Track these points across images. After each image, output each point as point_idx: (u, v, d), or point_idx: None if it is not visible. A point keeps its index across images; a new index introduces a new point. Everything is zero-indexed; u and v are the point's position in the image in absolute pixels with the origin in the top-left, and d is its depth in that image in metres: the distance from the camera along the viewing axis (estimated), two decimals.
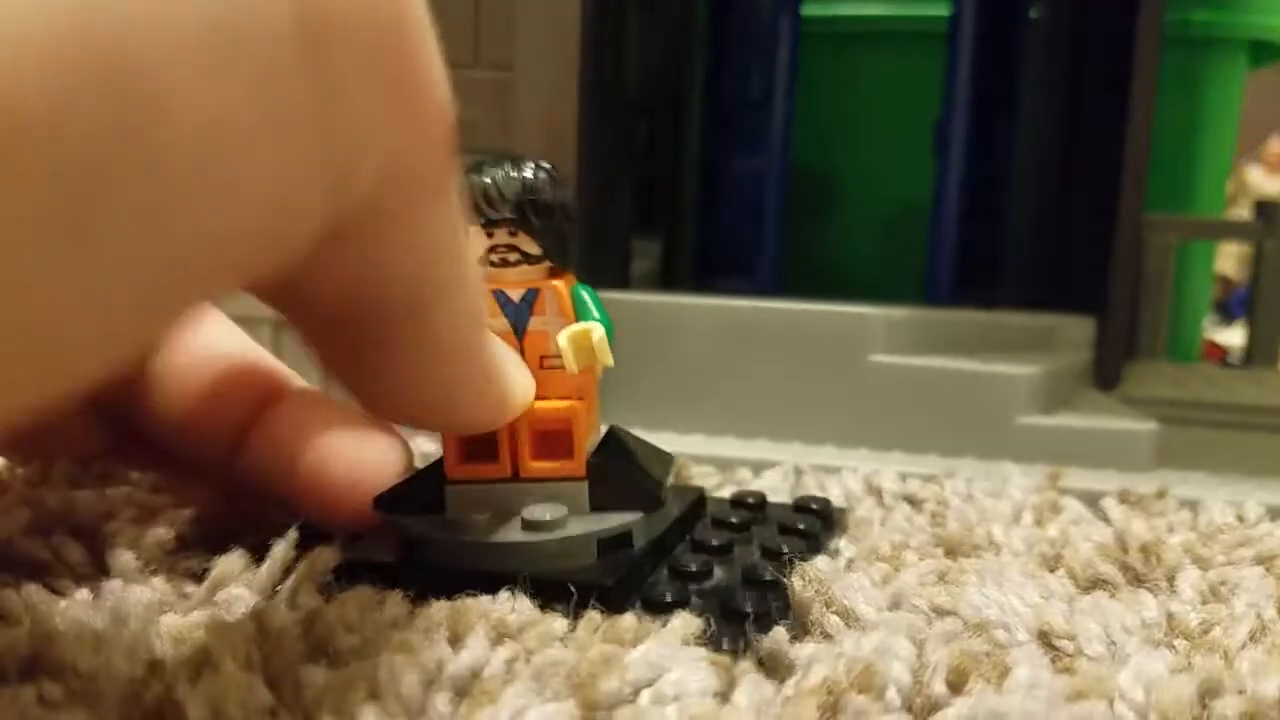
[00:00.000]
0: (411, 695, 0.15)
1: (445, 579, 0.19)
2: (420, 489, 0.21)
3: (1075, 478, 0.32)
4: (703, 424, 0.38)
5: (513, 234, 0.20)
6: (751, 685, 0.16)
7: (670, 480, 0.23)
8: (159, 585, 0.19)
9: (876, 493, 0.30)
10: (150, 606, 0.18)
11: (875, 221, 0.58)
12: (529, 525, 0.20)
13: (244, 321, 0.24)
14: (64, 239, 0.10)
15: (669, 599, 0.18)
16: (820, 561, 0.21)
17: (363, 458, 0.21)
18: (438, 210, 0.15)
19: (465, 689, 0.15)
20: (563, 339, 0.20)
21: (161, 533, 0.20)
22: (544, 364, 0.21)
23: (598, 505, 0.21)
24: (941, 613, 0.19)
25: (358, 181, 0.13)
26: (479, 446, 0.20)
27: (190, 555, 0.20)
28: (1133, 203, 0.42)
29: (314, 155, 0.12)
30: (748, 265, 0.50)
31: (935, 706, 0.15)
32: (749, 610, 0.18)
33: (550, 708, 0.14)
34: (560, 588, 0.18)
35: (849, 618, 0.19)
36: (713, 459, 0.34)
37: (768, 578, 0.20)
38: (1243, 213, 1.00)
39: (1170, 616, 0.19)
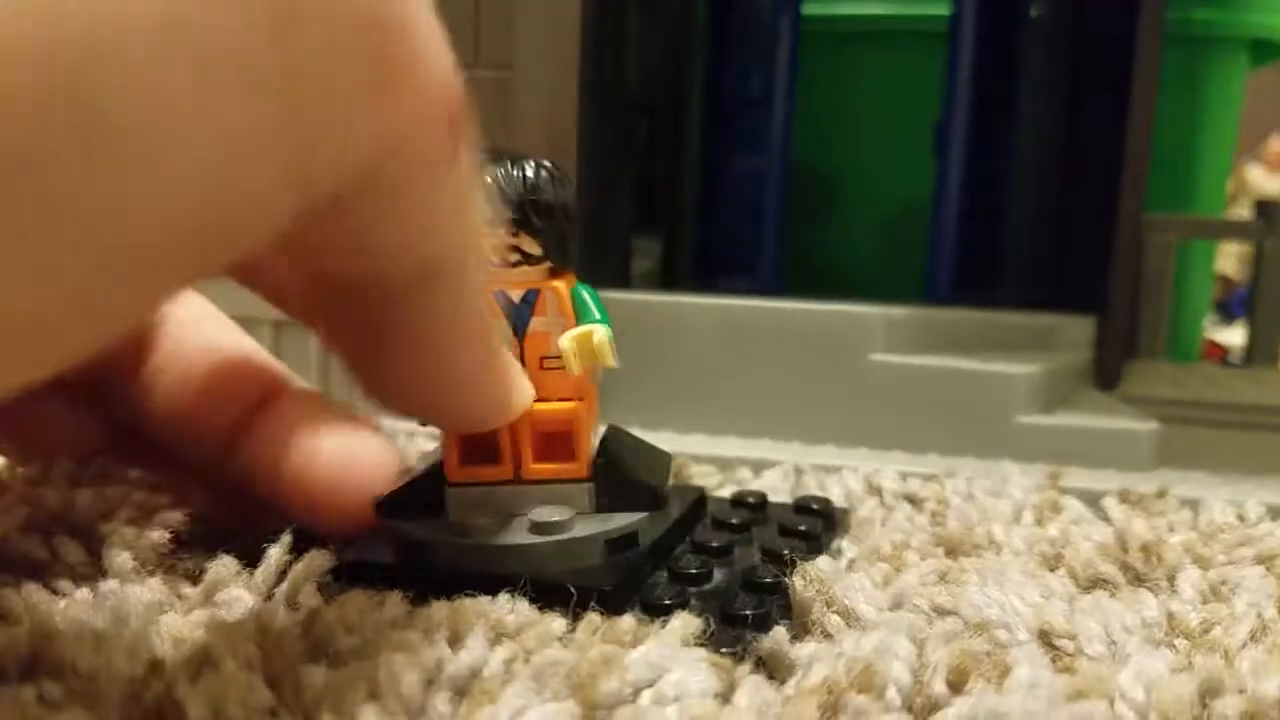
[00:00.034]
0: (411, 695, 0.15)
1: (447, 581, 0.18)
2: (420, 492, 0.20)
3: (1075, 477, 0.32)
4: (703, 423, 0.38)
5: (514, 234, 0.20)
6: (752, 686, 0.16)
7: (669, 480, 0.23)
8: (156, 586, 0.19)
9: (877, 492, 0.30)
10: (150, 606, 0.18)
11: (875, 221, 0.58)
12: (536, 527, 0.20)
13: (244, 321, 0.24)
14: (3, 218, 0.10)
15: (668, 602, 0.18)
16: (821, 562, 0.21)
17: (348, 461, 0.20)
18: (441, 187, 0.15)
19: (465, 689, 0.15)
20: (565, 341, 0.20)
21: (158, 534, 0.20)
22: (544, 365, 0.21)
23: (602, 506, 0.21)
24: (942, 612, 0.19)
25: (333, 163, 0.13)
26: (480, 449, 0.20)
27: (188, 556, 0.20)
28: (1133, 202, 0.42)
29: (279, 139, 0.12)
30: (748, 265, 0.50)
31: (935, 706, 0.15)
32: (748, 614, 0.18)
33: (550, 708, 0.14)
34: (560, 590, 0.18)
35: (849, 618, 0.19)
36: (713, 458, 0.34)
37: (768, 580, 0.19)
38: (1243, 212, 1.00)
39: (1171, 616, 0.19)
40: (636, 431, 0.24)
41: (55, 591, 0.19)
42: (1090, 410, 0.37)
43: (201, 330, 0.23)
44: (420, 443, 0.35)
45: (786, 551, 0.21)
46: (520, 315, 0.20)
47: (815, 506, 0.25)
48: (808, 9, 0.51)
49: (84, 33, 0.10)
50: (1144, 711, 0.15)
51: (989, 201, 0.48)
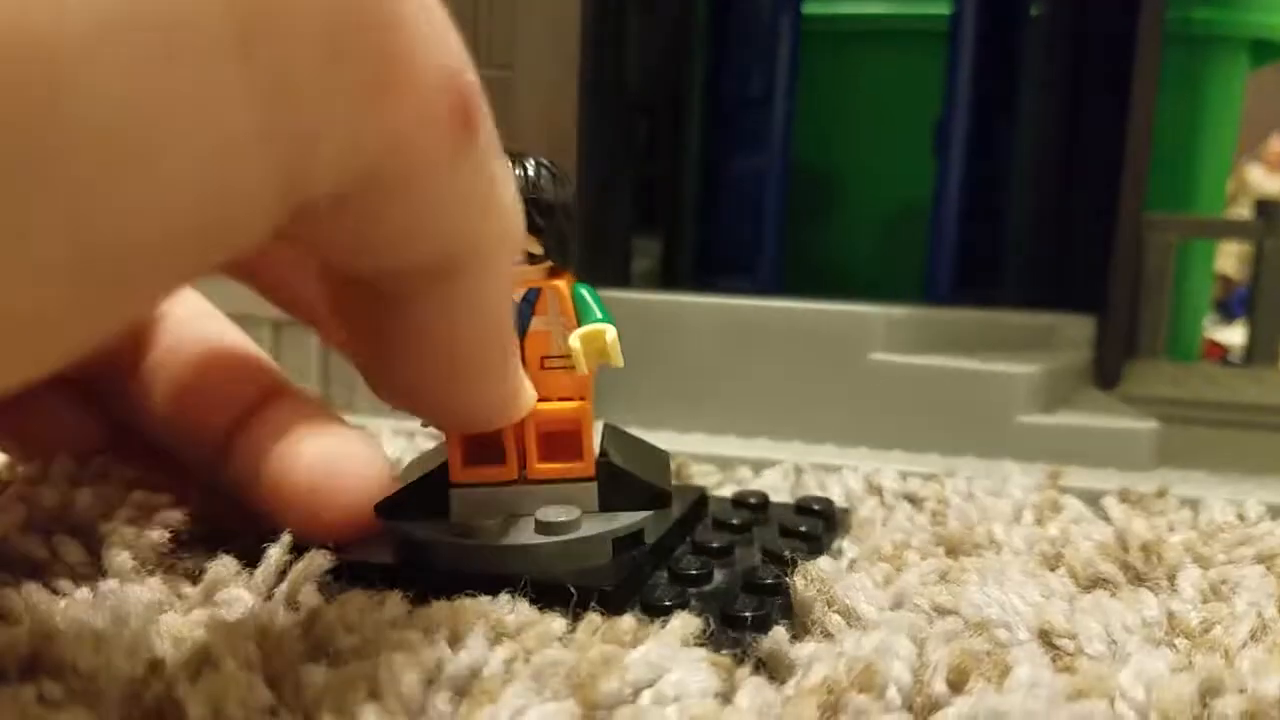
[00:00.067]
0: (411, 695, 0.15)
1: (451, 582, 0.18)
2: (423, 494, 0.20)
3: (1076, 476, 0.32)
4: (703, 423, 0.38)
5: None
6: (752, 686, 0.15)
7: (671, 478, 0.23)
8: (156, 585, 0.19)
9: (877, 492, 0.30)
10: (150, 606, 0.18)
11: (875, 220, 0.58)
12: (544, 527, 0.20)
13: (243, 320, 0.24)
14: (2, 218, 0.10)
15: (668, 603, 0.18)
16: (823, 562, 0.21)
17: (328, 470, 0.20)
18: (451, 184, 0.15)
19: (465, 689, 0.15)
20: (575, 340, 0.20)
21: (158, 533, 0.20)
22: (545, 364, 0.20)
23: (607, 505, 0.21)
24: (943, 612, 0.19)
25: (331, 163, 0.13)
26: (484, 449, 0.20)
27: (188, 555, 0.20)
28: (1133, 202, 0.42)
29: (255, 139, 0.12)
30: (748, 264, 0.50)
31: (936, 705, 0.15)
32: (748, 615, 0.18)
33: (550, 707, 0.14)
34: (561, 589, 0.18)
35: (850, 617, 0.19)
36: (713, 458, 0.34)
37: (768, 581, 0.19)
38: (1243, 212, 1.00)
39: (1171, 615, 0.19)
40: (636, 431, 0.24)
41: (55, 591, 0.19)
42: (1090, 410, 0.37)
43: (200, 329, 0.23)
44: (421, 443, 0.35)
45: (787, 552, 0.21)
46: (521, 315, 0.20)
47: (816, 507, 0.25)
48: (808, 8, 0.51)
49: (70, 34, 0.10)
50: (1144, 711, 0.15)
51: (989, 201, 0.48)
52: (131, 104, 0.10)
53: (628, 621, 0.17)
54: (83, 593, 0.18)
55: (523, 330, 0.20)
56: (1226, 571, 0.22)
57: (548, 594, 0.18)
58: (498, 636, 0.17)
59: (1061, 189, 0.48)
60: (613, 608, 0.18)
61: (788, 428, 0.37)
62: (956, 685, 0.16)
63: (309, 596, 0.18)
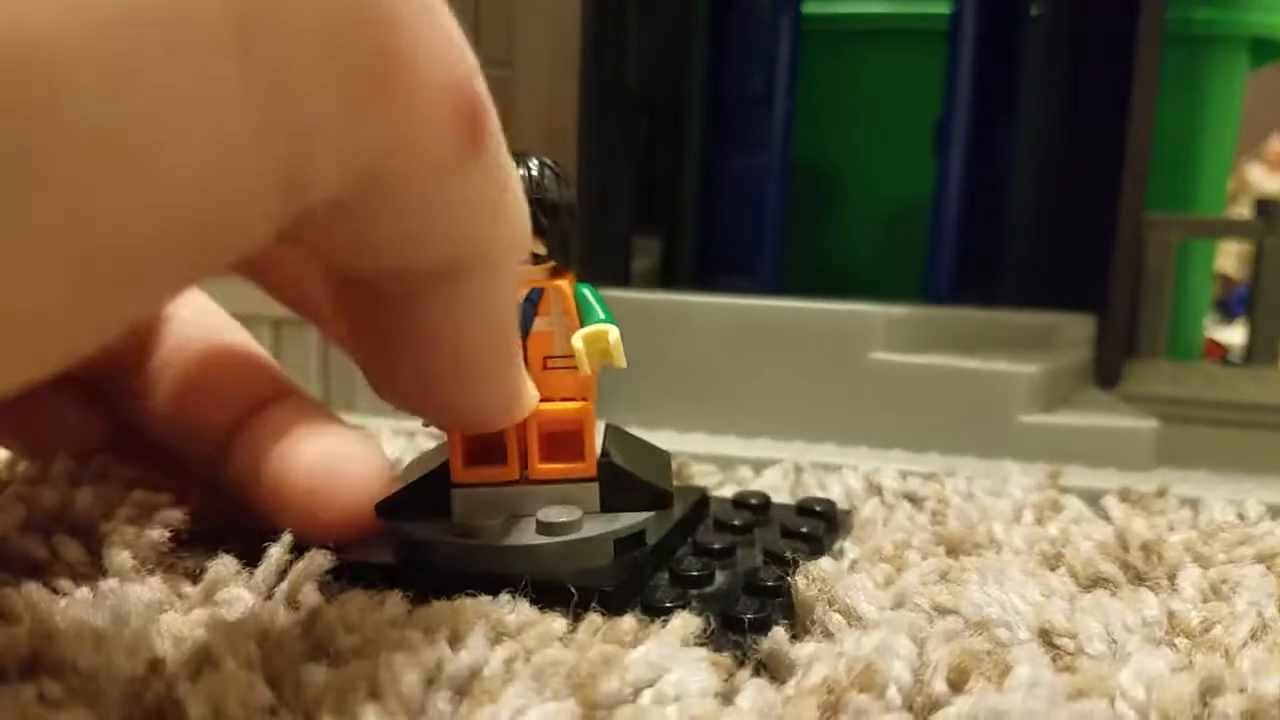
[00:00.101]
0: (412, 694, 0.15)
1: (452, 582, 0.18)
2: (424, 494, 0.20)
3: (1076, 476, 0.32)
4: (703, 422, 0.38)
5: None
6: (753, 686, 0.16)
7: (672, 479, 0.23)
8: (157, 585, 0.19)
9: (877, 491, 0.30)
10: (150, 605, 0.18)
11: (876, 220, 0.58)
12: (545, 528, 0.20)
13: (243, 319, 0.24)
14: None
15: (669, 604, 0.18)
16: (824, 563, 0.21)
17: (328, 471, 0.20)
18: (455, 186, 0.15)
19: (465, 688, 0.15)
20: (578, 340, 0.20)
21: (158, 532, 0.20)
22: (547, 365, 0.20)
23: (609, 505, 0.21)
24: (943, 611, 0.19)
25: (330, 163, 0.13)
26: (486, 449, 0.20)
27: (188, 555, 0.20)
28: (1133, 201, 0.42)
29: (253, 137, 0.12)
30: (748, 263, 0.50)
31: (936, 705, 0.15)
32: (749, 617, 0.18)
33: (550, 707, 0.14)
34: (562, 590, 0.18)
35: (851, 617, 0.19)
36: (713, 457, 0.34)
37: (769, 583, 0.19)
38: (1243, 211, 1.00)
39: (1171, 615, 0.19)
40: (636, 430, 0.24)
41: (55, 590, 0.19)
42: (1090, 409, 0.37)
43: (205, 329, 0.23)
44: (421, 443, 0.35)
45: (789, 553, 0.21)
46: (524, 315, 0.20)
47: (818, 508, 0.25)
48: (808, 8, 0.51)
49: (69, 33, 0.10)
50: (1144, 710, 0.15)
51: (989, 200, 0.48)
52: (130, 102, 0.10)
53: (628, 622, 0.17)
54: (83, 592, 0.18)
55: (525, 330, 0.20)
56: (1227, 571, 0.22)
57: (549, 594, 0.18)
58: (498, 636, 0.17)
59: (1061, 189, 0.48)
60: (613, 608, 0.18)
61: (788, 427, 0.37)
62: (957, 685, 0.16)
63: (309, 596, 0.18)
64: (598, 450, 0.21)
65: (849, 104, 0.58)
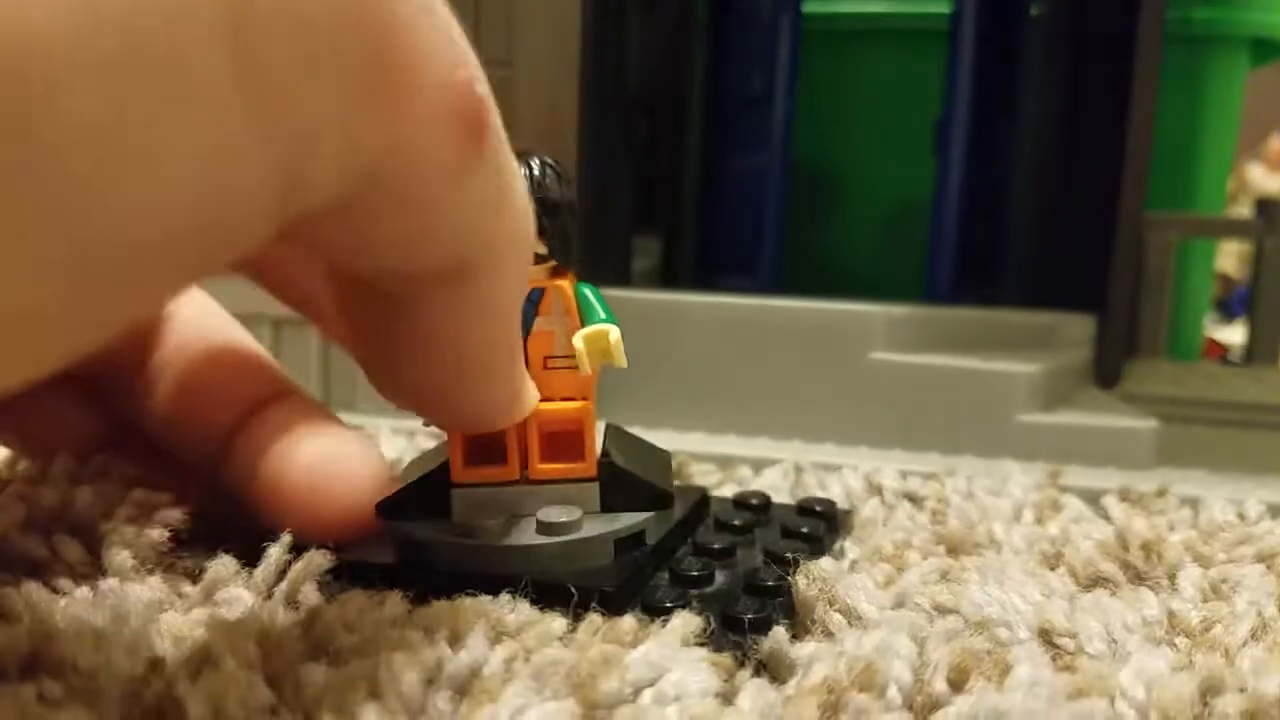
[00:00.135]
0: (411, 694, 0.15)
1: (452, 582, 0.18)
2: (424, 494, 0.20)
3: (1076, 475, 0.32)
4: (703, 422, 0.38)
5: None
6: (753, 686, 0.15)
7: (672, 479, 0.23)
8: (156, 584, 0.19)
9: (877, 491, 0.30)
10: (150, 605, 0.18)
11: (876, 219, 0.58)
12: (545, 528, 0.20)
13: (243, 318, 0.24)
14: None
15: (669, 604, 0.18)
16: (824, 563, 0.21)
17: (327, 471, 0.20)
18: (458, 187, 0.15)
19: (465, 688, 0.15)
20: (579, 340, 0.20)
21: (158, 532, 0.20)
22: (548, 364, 0.20)
23: (609, 505, 0.21)
24: (943, 611, 0.19)
25: (331, 166, 0.13)
26: (486, 449, 0.20)
27: (188, 554, 0.20)
28: (1133, 201, 0.42)
29: (252, 140, 0.12)
30: (748, 263, 0.50)
31: (936, 705, 0.15)
32: (749, 617, 0.18)
33: (550, 707, 0.14)
34: (562, 590, 0.18)
35: (851, 617, 0.18)
36: (713, 457, 0.34)
37: (770, 583, 0.19)
38: (1243, 211, 1.00)
39: (1171, 614, 0.19)
40: (636, 430, 0.24)
41: (55, 590, 0.19)
42: (1090, 409, 0.37)
43: (206, 329, 0.23)
44: (421, 442, 0.35)
45: (789, 553, 0.21)
46: (524, 315, 0.20)
47: (818, 508, 0.25)
48: (808, 7, 0.51)
49: (65, 32, 0.10)
50: (1145, 710, 0.15)
51: (989, 200, 0.48)
52: (128, 102, 0.10)
53: (628, 621, 0.17)
54: (83, 591, 0.18)
55: (526, 330, 0.20)
56: (1227, 570, 0.22)
57: (549, 594, 0.18)
58: (498, 636, 0.17)
59: (1061, 189, 0.48)
60: (614, 608, 0.18)
61: (788, 427, 0.37)
62: (957, 684, 0.16)
63: (309, 596, 0.18)
64: (598, 450, 0.21)
65: (849, 104, 0.58)
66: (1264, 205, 0.57)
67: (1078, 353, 0.42)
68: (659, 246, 0.52)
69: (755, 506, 0.24)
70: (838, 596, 0.19)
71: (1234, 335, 0.80)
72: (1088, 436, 0.35)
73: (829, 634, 0.18)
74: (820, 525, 0.24)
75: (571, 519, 0.20)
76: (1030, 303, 0.46)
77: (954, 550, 0.24)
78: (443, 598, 0.18)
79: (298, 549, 0.19)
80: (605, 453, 0.21)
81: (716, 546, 0.21)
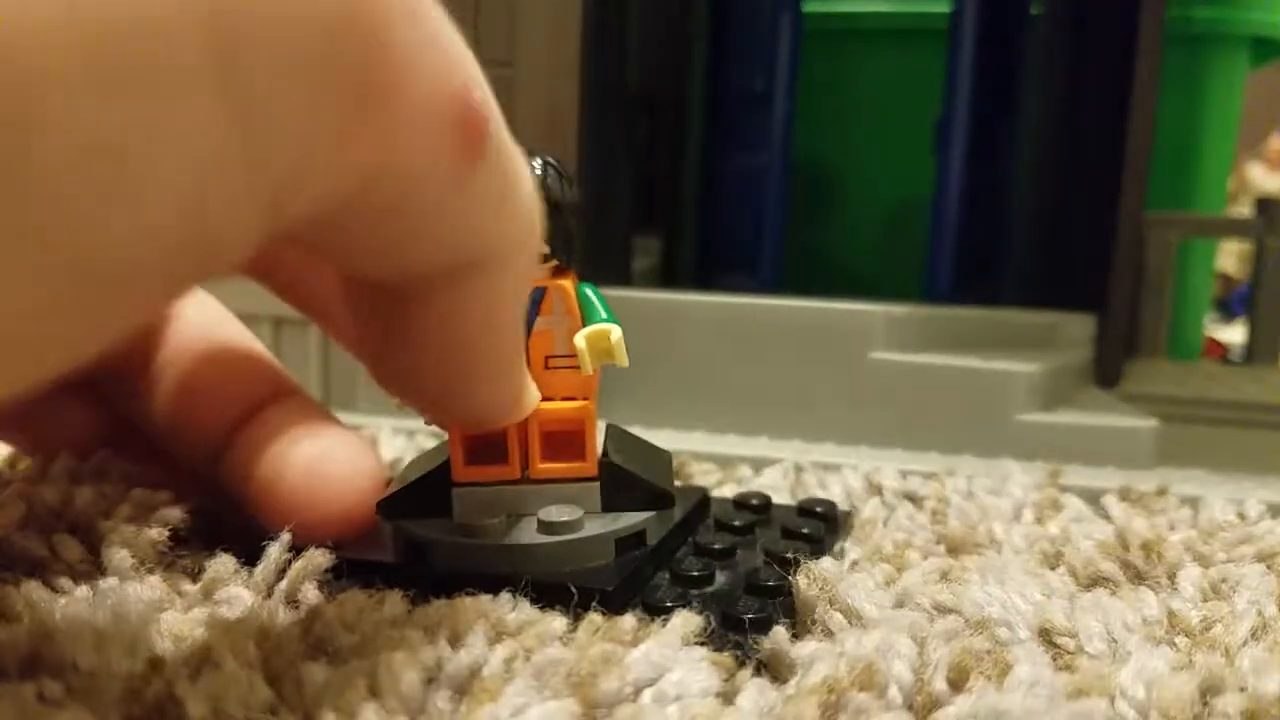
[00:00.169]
0: (411, 693, 0.15)
1: (453, 581, 0.18)
2: (425, 493, 0.20)
3: (1076, 475, 0.32)
4: (703, 421, 0.38)
5: None
6: (754, 686, 0.15)
7: (673, 479, 0.23)
8: (156, 583, 0.19)
9: (877, 490, 0.30)
10: (150, 604, 0.18)
11: (876, 219, 0.58)
12: (546, 527, 0.20)
13: (244, 318, 0.24)
14: None
15: (669, 604, 0.18)
16: (825, 563, 0.21)
17: (324, 472, 0.20)
18: (459, 190, 0.15)
19: (465, 687, 0.15)
20: (580, 340, 0.20)
21: (158, 531, 0.20)
22: (549, 364, 0.20)
23: (610, 505, 0.21)
24: (944, 610, 0.19)
25: (302, 185, 0.13)
26: (486, 448, 0.20)
27: (187, 553, 0.20)
28: (1134, 200, 0.42)
29: (237, 165, 0.12)
30: (748, 262, 0.50)
31: (936, 704, 0.15)
32: (749, 617, 0.18)
33: (550, 706, 0.14)
34: (562, 590, 0.18)
35: (852, 616, 0.18)
36: (713, 456, 0.34)
37: (770, 583, 0.19)
38: (1244, 210, 1.00)
39: (1171, 614, 0.19)
40: (637, 430, 0.24)
41: (55, 589, 0.19)
42: (1091, 408, 0.37)
43: (209, 330, 0.23)
44: (421, 442, 0.35)
45: (790, 554, 0.21)
46: (526, 314, 0.20)
47: (819, 509, 0.25)
48: (808, 6, 0.51)
49: (52, 57, 0.10)
50: (1144, 709, 0.15)
51: (989, 200, 0.48)
52: (112, 121, 0.10)
53: (628, 621, 0.17)
54: (82, 591, 0.18)
55: (527, 329, 0.20)
56: (1227, 570, 0.22)
57: (549, 594, 0.18)
58: (498, 635, 0.17)
59: (1061, 189, 0.48)
60: (614, 608, 0.18)
61: (788, 426, 0.37)
62: (957, 684, 0.16)
63: (309, 595, 0.18)
64: (599, 450, 0.21)
65: (849, 103, 0.58)
66: (1264, 204, 0.57)
67: (1078, 352, 0.42)
68: (659, 246, 0.52)
69: (755, 507, 0.24)
70: (838, 596, 0.19)
71: (1234, 335, 0.80)
72: (1088, 436, 0.35)
73: (829, 634, 0.18)
74: (820, 526, 0.24)
75: (572, 518, 0.20)
76: (1030, 302, 0.46)
77: (954, 550, 0.24)
78: (443, 596, 0.18)
79: (297, 548, 0.19)
80: (606, 452, 0.21)
81: (717, 547, 0.21)
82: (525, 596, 0.18)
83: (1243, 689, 0.16)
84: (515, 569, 0.19)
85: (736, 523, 0.23)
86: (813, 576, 0.19)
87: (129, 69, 0.10)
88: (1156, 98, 0.41)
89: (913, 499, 0.29)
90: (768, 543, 0.22)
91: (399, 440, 0.35)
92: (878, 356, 0.37)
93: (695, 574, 0.20)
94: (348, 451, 0.21)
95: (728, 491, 0.30)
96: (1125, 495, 0.30)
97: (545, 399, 0.20)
